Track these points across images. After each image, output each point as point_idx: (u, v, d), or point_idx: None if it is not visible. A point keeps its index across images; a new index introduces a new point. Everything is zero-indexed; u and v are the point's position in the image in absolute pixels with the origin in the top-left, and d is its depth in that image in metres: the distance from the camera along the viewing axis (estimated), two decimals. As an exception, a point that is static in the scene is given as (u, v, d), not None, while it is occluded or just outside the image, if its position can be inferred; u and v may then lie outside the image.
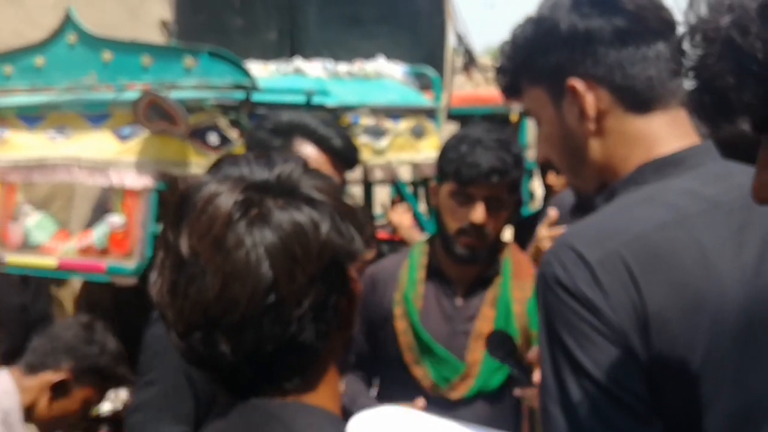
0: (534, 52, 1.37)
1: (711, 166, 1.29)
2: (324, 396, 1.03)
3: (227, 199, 0.97)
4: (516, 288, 2.35)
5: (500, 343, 2.31)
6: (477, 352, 2.29)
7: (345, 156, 2.06)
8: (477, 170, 2.22)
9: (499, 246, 2.40)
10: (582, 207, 3.12)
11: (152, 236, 2.64)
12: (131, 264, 2.69)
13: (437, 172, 2.39)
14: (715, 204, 1.24)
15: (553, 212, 3.05)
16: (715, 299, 1.16)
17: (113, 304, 3.21)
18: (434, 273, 2.40)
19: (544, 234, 3.01)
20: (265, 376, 0.99)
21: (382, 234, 4.19)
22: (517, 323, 2.31)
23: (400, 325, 2.35)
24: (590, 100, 1.31)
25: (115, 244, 2.73)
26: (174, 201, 1.02)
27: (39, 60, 3.00)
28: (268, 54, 4.02)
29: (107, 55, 2.82)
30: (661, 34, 1.31)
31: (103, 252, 2.75)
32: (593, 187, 1.38)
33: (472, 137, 2.28)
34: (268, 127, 2.01)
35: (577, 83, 1.31)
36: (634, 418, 1.13)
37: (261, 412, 0.98)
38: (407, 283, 2.38)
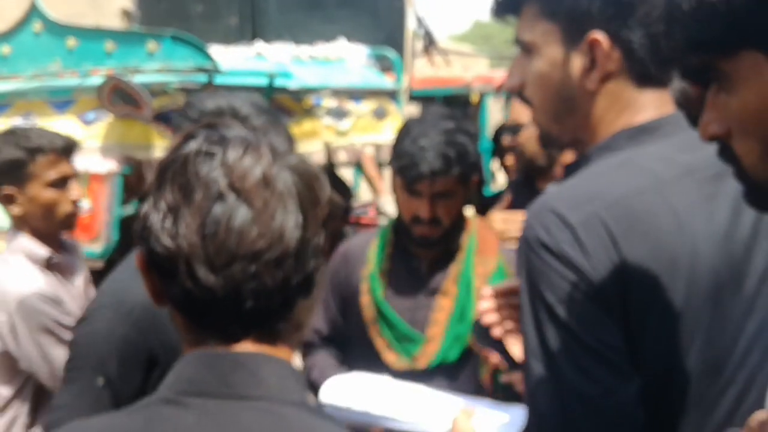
0: None
1: (684, 134, 1.33)
2: (288, 352, 1.08)
3: (261, 143, 1.05)
4: (479, 264, 2.41)
5: (484, 331, 2.41)
6: (437, 326, 2.36)
7: None
8: (418, 171, 2.25)
9: (460, 225, 2.46)
10: (525, 183, 3.23)
11: (118, 220, 2.69)
12: (98, 248, 2.74)
13: (390, 160, 2.42)
14: (689, 170, 1.28)
15: (508, 196, 3.16)
16: (689, 261, 1.21)
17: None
18: (401, 250, 2.47)
19: (497, 216, 3.12)
20: (267, 314, 1.04)
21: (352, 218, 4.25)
22: (476, 298, 2.36)
23: (365, 300, 2.42)
24: (607, 58, 1.31)
25: (81, 229, 2.76)
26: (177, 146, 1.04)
27: (5, 49, 3.03)
28: (229, 39, 4.06)
29: (71, 42, 2.86)
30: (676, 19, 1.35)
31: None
32: (568, 138, 1.41)
33: (416, 132, 2.30)
34: (193, 117, 1.86)
35: (603, 40, 1.30)
36: (614, 372, 1.18)
37: (229, 361, 1.02)
38: (375, 260, 2.45)
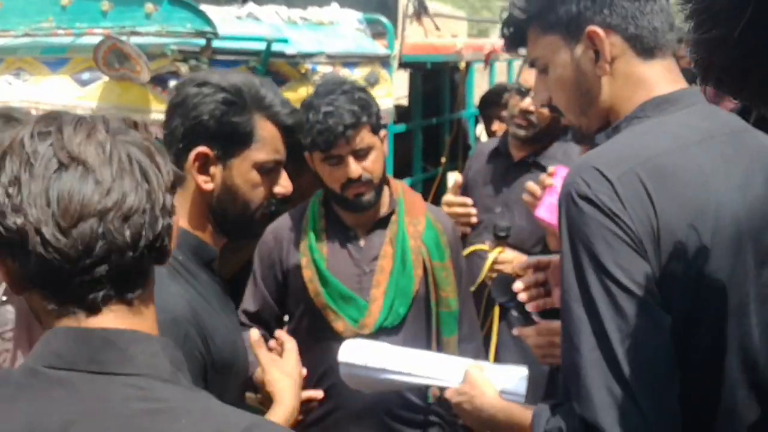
0: (553, 2, 1.55)
1: (701, 106, 1.52)
2: (153, 326, 1.13)
3: (101, 125, 1.10)
4: (409, 224, 2.53)
5: (502, 287, 2.54)
6: (378, 288, 2.47)
7: (294, 131, 1.97)
8: (332, 134, 2.35)
9: (387, 185, 2.56)
10: (498, 153, 3.32)
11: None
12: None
13: (302, 143, 2.46)
14: (709, 135, 1.45)
15: (459, 179, 3.23)
16: (714, 212, 1.36)
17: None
18: (334, 222, 2.55)
19: (449, 199, 3.20)
20: (124, 279, 1.08)
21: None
22: (413, 256, 2.49)
23: (307, 273, 2.49)
24: (607, 45, 1.51)
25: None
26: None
27: (-5, 3, 2.98)
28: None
29: (65, 0, 2.82)
30: None
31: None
32: (597, 125, 1.58)
33: (315, 103, 2.39)
34: (219, 98, 1.78)
35: (599, 30, 1.50)
36: (647, 312, 1.31)
37: (97, 337, 1.06)
38: (310, 234, 2.52)
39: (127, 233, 1.05)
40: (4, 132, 1.14)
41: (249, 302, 2.56)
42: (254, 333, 1.94)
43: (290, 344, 1.97)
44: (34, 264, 1.03)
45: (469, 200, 3.28)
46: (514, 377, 1.82)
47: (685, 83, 1.56)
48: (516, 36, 1.65)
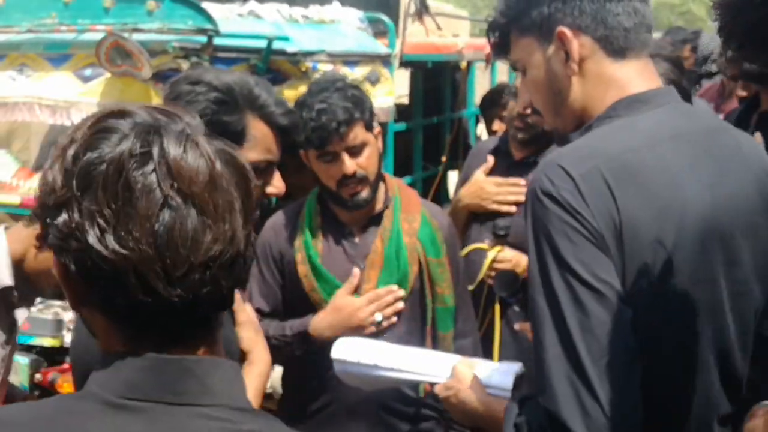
0: (530, 5, 1.58)
1: (675, 105, 1.55)
2: (221, 345, 1.05)
3: (204, 143, 1.00)
4: (404, 220, 2.55)
5: (506, 283, 2.59)
6: (369, 283, 2.49)
7: (288, 132, 1.97)
8: (326, 131, 2.38)
9: (383, 182, 2.58)
10: (498, 152, 3.31)
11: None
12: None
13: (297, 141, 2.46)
14: (680, 133, 1.48)
15: (491, 159, 3.20)
16: (679, 210, 1.40)
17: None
18: (329, 218, 2.57)
19: (492, 180, 3.14)
20: (216, 318, 1.02)
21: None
22: (407, 253, 2.51)
23: (302, 269, 2.51)
24: (576, 45, 1.53)
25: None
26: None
27: (-2, -1, 2.99)
28: (223, -4, 4.02)
29: (68, -4, 2.83)
30: None
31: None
32: (571, 126, 1.60)
33: (308, 101, 2.42)
34: (211, 97, 1.79)
35: (566, 31, 1.53)
36: (607, 306, 1.35)
37: (176, 367, 0.97)
38: (306, 231, 2.54)
39: (233, 278, 0.99)
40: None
41: (260, 302, 2.55)
42: (246, 306, 1.99)
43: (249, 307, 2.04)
44: (124, 302, 0.95)
45: (522, 180, 3.19)
46: (501, 372, 1.83)
47: (660, 83, 1.58)
48: (500, 40, 1.68)
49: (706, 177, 1.45)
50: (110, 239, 0.92)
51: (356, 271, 2.41)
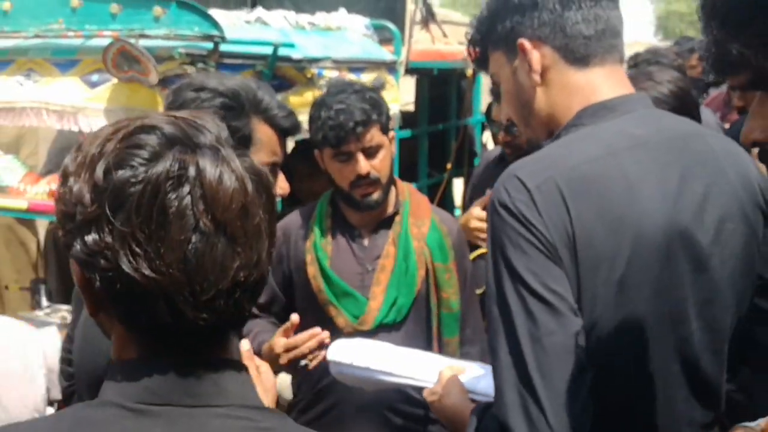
0: (495, 20, 1.60)
1: (642, 112, 1.53)
2: (235, 352, 1.07)
3: (236, 162, 0.99)
4: (414, 225, 2.58)
5: None
6: (379, 286, 2.51)
7: (290, 134, 2.02)
8: (343, 130, 2.42)
9: (394, 186, 2.62)
10: (503, 159, 3.34)
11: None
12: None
13: (313, 141, 2.54)
14: (643, 142, 1.46)
15: (489, 193, 3.21)
16: (636, 221, 1.39)
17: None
18: (340, 221, 2.61)
19: (476, 214, 3.15)
20: (233, 331, 1.05)
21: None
22: (416, 258, 2.54)
23: (311, 270, 2.54)
24: (536, 56, 1.54)
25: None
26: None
27: (6, 4, 3.00)
28: (229, 3, 4.05)
29: (75, 2, 2.84)
30: (597, 1, 1.54)
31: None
32: (543, 135, 1.60)
33: (329, 102, 2.46)
34: (218, 103, 1.80)
35: (525, 42, 1.54)
36: (556, 317, 1.35)
37: (193, 374, 0.99)
38: (316, 232, 2.58)
39: (255, 299, 1.03)
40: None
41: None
42: (244, 344, 1.97)
43: (265, 367, 2.00)
44: (149, 321, 0.96)
45: None
46: (488, 378, 1.84)
47: (630, 89, 1.57)
48: (480, 56, 1.69)
49: (669, 184, 1.43)
50: (143, 264, 0.92)
51: (294, 317, 2.30)
